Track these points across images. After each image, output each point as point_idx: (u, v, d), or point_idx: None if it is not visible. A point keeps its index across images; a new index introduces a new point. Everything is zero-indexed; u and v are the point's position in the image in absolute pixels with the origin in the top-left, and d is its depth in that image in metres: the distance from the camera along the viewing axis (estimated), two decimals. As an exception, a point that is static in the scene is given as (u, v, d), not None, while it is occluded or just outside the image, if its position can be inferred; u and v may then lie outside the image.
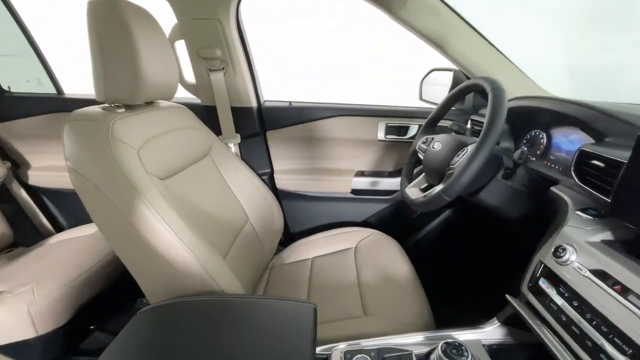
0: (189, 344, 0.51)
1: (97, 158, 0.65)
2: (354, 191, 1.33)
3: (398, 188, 1.33)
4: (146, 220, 0.64)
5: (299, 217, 1.39)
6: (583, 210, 0.62)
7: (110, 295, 1.09)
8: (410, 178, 1.01)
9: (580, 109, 0.73)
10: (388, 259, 1.05)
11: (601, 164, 0.59)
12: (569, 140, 0.80)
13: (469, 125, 1.17)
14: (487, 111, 0.70)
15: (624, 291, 0.45)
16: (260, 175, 1.22)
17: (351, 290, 0.94)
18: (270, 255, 1.20)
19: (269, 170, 1.33)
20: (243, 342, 0.50)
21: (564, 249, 0.55)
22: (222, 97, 1.14)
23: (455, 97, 0.92)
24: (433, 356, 0.60)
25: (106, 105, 0.76)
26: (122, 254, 0.71)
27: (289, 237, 1.40)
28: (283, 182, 1.35)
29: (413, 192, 0.93)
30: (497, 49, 1.06)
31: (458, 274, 1.34)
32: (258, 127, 1.25)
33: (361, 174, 1.33)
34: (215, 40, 1.06)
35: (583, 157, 0.63)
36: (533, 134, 0.92)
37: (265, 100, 1.29)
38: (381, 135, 1.27)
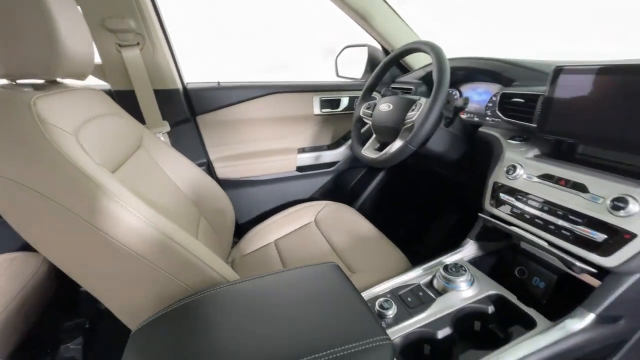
0: (239, 332, 0.44)
1: (25, 149, 0.48)
2: (299, 168, 1.33)
3: (338, 159, 1.40)
4: (120, 220, 0.51)
5: (246, 206, 1.31)
6: (511, 138, 0.80)
7: (25, 348, 0.82)
8: (360, 142, 1.07)
9: (491, 63, 0.92)
10: (349, 222, 1.11)
11: (521, 100, 0.76)
12: (477, 93, 1.01)
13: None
14: (434, 67, 0.81)
15: (566, 183, 0.61)
16: None
17: (329, 258, 0.96)
18: (227, 250, 1.11)
19: (205, 160, 1.20)
20: (296, 315, 0.47)
21: (514, 167, 0.71)
22: (142, 79, 0.96)
23: (392, 62, 1.02)
24: (436, 279, 0.69)
25: (5, 82, 0.55)
26: (80, 274, 0.54)
27: (237, 229, 1.31)
28: (222, 170, 1.24)
29: (370, 152, 1.00)
30: (407, 24, 1.21)
31: (403, 220, 1.51)
32: (187, 112, 1.11)
33: (302, 150, 1.34)
34: (125, 7, 0.87)
35: (505, 98, 0.81)
36: (449, 92, 1.11)
37: (188, 82, 1.14)
38: (317, 109, 1.30)
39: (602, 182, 0.57)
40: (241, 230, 1.26)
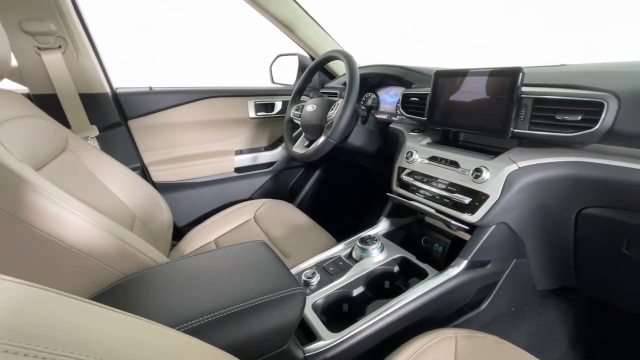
0: (171, 299, 0.49)
1: None
2: (237, 169, 1.39)
3: (276, 159, 1.48)
4: (43, 211, 0.53)
5: (185, 208, 1.32)
6: (412, 131, 0.96)
7: None
8: (292, 141, 1.17)
9: (396, 69, 1.08)
10: (286, 215, 1.19)
11: (416, 99, 0.93)
12: (389, 95, 1.18)
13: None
14: (346, 71, 0.94)
15: (446, 162, 0.78)
16: None
17: None
18: (166, 251, 1.11)
19: (139, 164, 1.20)
20: (225, 280, 0.53)
21: (411, 153, 0.86)
22: (66, 83, 0.95)
23: (314, 69, 1.14)
24: (354, 250, 0.81)
25: None
26: (3, 272, 0.55)
27: (177, 233, 1.31)
28: (159, 174, 1.24)
29: (299, 149, 1.10)
30: (328, 33, 1.36)
31: (341, 214, 1.64)
32: (118, 116, 1.10)
33: (240, 152, 1.40)
34: (44, 10, 0.86)
35: (405, 97, 0.97)
36: (367, 95, 1.27)
37: (117, 87, 1.14)
38: (252, 113, 1.37)
39: (469, 158, 0.74)
40: (182, 233, 1.27)
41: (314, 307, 0.66)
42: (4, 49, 0.66)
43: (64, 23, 0.91)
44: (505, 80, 0.67)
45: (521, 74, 0.65)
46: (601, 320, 0.88)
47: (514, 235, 0.73)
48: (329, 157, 1.57)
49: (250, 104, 1.36)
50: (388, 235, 0.91)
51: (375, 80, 1.22)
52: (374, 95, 1.25)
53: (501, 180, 0.66)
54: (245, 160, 1.40)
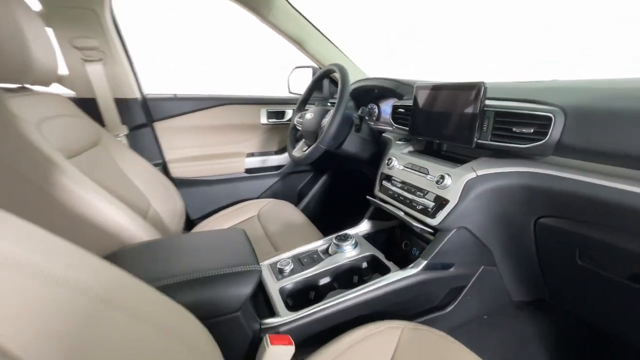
0: (152, 265, 0.61)
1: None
2: (248, 170, 1.51)
3: (284, 163, 1.59)
4: (68, 189, 0.67)
5: (198, 203, 1.47)
6: (399, 140, 1.02)
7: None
8: (293, 145, 1.28)
9: (391, 82, 1.15)
10: (286, 215, 1.29)
11: (402, 110, 0.99)
12: (388, 107, 1.24)
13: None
14: (339, 83, 1.03)
15: (419, 169, 0.83)
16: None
17: (261, 240, 1.13)
18: None
19: (160, 161, 1.37)
20: (199, 255, 0.64)
21: (390, 160, 0.92)
22: (103, 89, 1.14)
23: (317, 81, 1.24)
24: (331, 246, 0.88)
25: None
26: None
27: (189, 224, 1.46)
28: (178, 170, 1.40)
29: (297, 153, 1.20)
30: (336, 46, 1.45)
31: (341, 214, 1.70)
32: (145, 118, 1.28)
33: (251, 155, 1.53)
34: (91, 30, 1.06)
35: (394, 109, 1.03)
36: (369, 107, 1.34)
37: (147, 94, 1.32)
38: (264, 120, 1.50)
39: (438, 166, 0.79)
40: (194, 225, 1.41)
41: (281, 291, 0.74)
42: (54, 61, 0.84)
43: (105, 40, 1.09)
44: (470, 94, 0.72)
45: (483, 87, 0.69)
46: (575, 337, 0.86)
47: (477, 241, 0.76)
48: (335, 165, 1.65)
49: (263, 112, 1.49)
50: (369, 236, 0.97)
51: (375, 92, 1.29)
52: (376, 107, 1.33)
53: (460, 186, 0.70)
54: (255, 162, 1.52)
